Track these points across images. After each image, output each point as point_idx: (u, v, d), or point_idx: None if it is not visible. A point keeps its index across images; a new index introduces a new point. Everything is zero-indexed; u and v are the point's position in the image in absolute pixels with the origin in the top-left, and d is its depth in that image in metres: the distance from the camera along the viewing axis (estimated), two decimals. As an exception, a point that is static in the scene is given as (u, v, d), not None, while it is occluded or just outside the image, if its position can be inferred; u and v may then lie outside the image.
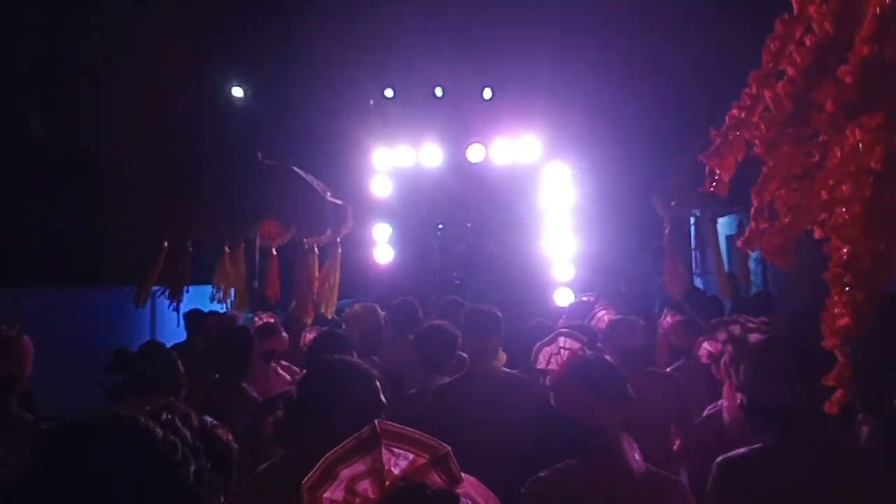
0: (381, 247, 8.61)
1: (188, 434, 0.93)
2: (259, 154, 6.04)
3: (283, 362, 4.23)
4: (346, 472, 0.87)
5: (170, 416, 0.93)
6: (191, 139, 7.81)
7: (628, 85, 8.18)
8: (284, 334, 4.15)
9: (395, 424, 0.89)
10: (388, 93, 8.50)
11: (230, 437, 1.01)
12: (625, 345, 3.22)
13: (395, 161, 8.53)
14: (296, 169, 6.07)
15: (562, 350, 2.64)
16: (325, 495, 0.86)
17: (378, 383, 1.82)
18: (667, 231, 5.87)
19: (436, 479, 0.86)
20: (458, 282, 8.44)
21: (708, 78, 7.32)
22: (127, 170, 7.29)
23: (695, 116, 7.77)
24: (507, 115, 8.39)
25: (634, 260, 8.66)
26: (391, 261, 8.61)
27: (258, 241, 6.20)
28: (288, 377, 4.02)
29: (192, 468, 0.91)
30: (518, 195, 8.58)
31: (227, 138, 8.28)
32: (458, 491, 0.86)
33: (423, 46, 8.19)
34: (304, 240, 6.16)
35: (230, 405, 3.06)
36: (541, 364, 2.80)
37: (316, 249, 6.30)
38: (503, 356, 3.61)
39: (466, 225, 9.05)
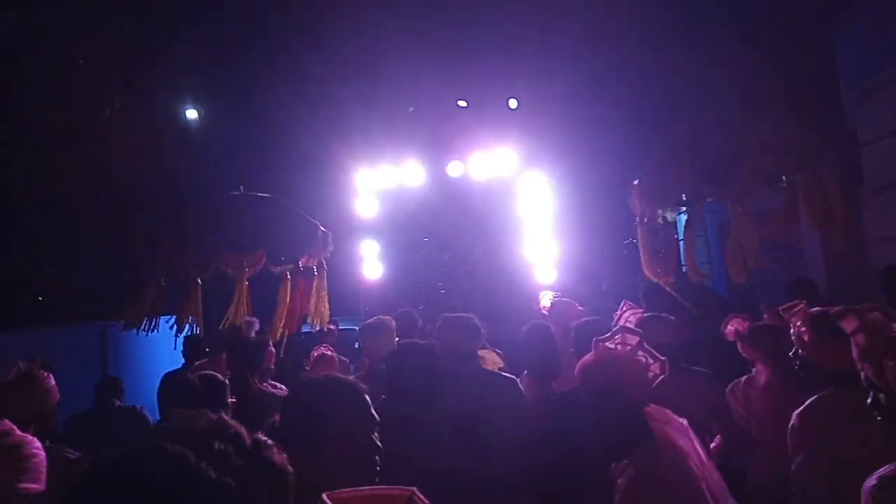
0: (370, 263, 8.91)
1: (241, 465, 0.82)
2: (241, 188, 6.26)
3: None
4: None
5: (222, 447, 0.82)
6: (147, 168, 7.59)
7: (599, 94, 8.53)
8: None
9: (345, 491, 0.82)
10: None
11: (284, 459, 0.91)
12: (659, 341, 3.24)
13: (378, 179, 8.85)
14: (260, 195, 6.25)
15: (623, 346, 2.50)
16: None
17: (368, 398, 1.75)
18: (639, 227, 6.01)
19: None
20: (443, 291, 8.74)
21: (676, 85, 7.72)
22: (80, 205, 7.23)
23: (664, 120, 8.17)
24: (483, 129, 8.74)
25: (614, 258, 9.01)
26: (380, 277, 8.91)
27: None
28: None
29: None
30: (498, 205, 8.92)
31: (191, 164, 8.23)
32: None
33: (401, 63, 8.44)
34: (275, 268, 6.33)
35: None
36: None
37: (289, 276, 6.42)
38: (492, 358, 3.90)
39: (450, 237, 9.36)
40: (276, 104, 8.45)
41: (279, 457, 0.89)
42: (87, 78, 6.91)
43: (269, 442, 0.90)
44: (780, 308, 2.78)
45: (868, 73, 5.57)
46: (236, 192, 6.36)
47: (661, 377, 2.34)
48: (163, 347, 6.98)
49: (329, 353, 4.73)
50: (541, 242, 8.61)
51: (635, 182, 5.75)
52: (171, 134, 8.17)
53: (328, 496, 0.83)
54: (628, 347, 2.30)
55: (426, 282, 9.32)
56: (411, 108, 8.86)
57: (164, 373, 5.16)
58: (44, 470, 1.98)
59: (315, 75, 8.13)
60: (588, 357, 2.26)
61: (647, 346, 2.33)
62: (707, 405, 3.32)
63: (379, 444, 1.70)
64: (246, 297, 6.51)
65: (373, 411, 1.72)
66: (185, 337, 5.62)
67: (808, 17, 6.22)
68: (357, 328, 8.47)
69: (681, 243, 8.27)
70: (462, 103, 8.82)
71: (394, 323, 4.18)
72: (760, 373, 3.42)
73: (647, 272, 5.91)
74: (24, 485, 1.88)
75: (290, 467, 0.91)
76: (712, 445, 3.42)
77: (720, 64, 7.15)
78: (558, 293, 6.22)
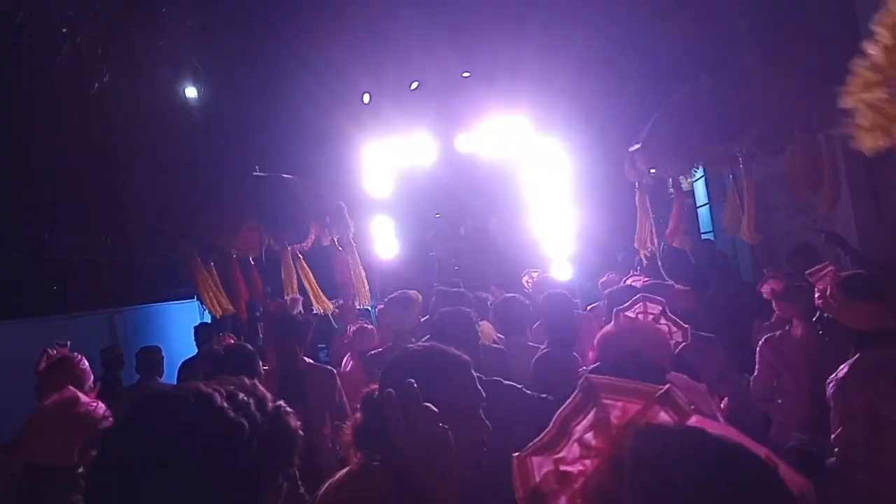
0: (383, 241, 8.80)
1: (258, 417, 1.00)
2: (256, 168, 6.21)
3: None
4: (578, 428, 0.86)
5: (246, 399, 1.01)
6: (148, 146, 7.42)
7: (612, 62, 8.32)
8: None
9: (604, 377, 0.89)
10: (365, 98, 8.67)
11: (298, 425, 1.07)
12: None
13: (387, 155, 8.71)
14: (282, 176, 6.24)
15: (645, 315, 2.45)
16: (559, 455, 0.86)
17: (474, 371, 1.59)
18: (639, 191, 5.81)
19: (665, 417, 0.85)
20: (457, 267, 8.66)
21: (690, 51, 7.49)
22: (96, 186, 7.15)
23: (677, 87, 7.95)
24: (494, 98, 8.56)
25: (628, 229, 8.83)
26: (393, 255, 8.81)
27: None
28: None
29: (254, 450, 0.97)
30: (509, 177, 8.77)
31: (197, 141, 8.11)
32: (693, 423, 0.84)
33: (409, 38, 8.28)
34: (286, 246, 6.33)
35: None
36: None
37: (300, 255, 6.46)
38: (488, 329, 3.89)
39: (464, 210, 9.26)
40: (280, 79, 8.28)
41: (294, 423, 1.06)
42: (76, 49, 6.65)
43: (290, 410, 1.07)
44: (807, 272, 2.86)
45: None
46: (258, 173, 6.35)
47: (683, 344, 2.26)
48: (173, 334, 7.00)
49: (369, 326, 4.80)
50: (554, 214, 8.46)
51: (636, 146, 5.52)
52: (171, 112, 7.99)
53: (591, 377, 0.89)
54: (650, 316, 2.21)
55: (440, 259, 9.25)
56: (415, 85, 8.68)
57: (176, 360, 5.23)
58: None
59: (320, 49, 7.97)
60: (609, 327, 2.17)
61: (669, 313, 2.25)
62: (715, 369, 3.36)
63: (488, 423, 1.54)
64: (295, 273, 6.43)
65: (479, 386, 1.56)
66: (196, 326, 5.66)
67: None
68: (370, 307, 8.46)
69: (699, 209, 8.15)
70: (466, 74, 8.64)
71: (420, 298, 4.27)
72: (796, 328, 3.56)
73: (638, 242, 5.78)
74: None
75: (300, 433, 1.07)
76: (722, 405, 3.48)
77: (734, 23, 6.92)
78: (540, 271, 6.15)
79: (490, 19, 8.19)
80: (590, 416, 0.86)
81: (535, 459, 0.87)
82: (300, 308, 5.37)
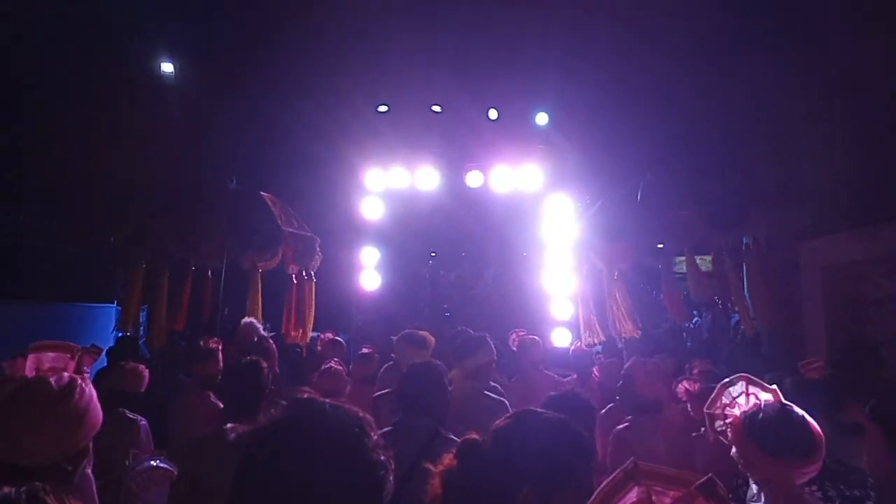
0: (369, 272, 8.15)
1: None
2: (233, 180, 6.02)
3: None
4: (619, 503, 0.94)
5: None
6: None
7: (633, 119, 7.78)
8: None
9: (650, 465, 0.94)
10: (382, 108, 8.01)
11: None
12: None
13: (388, 182, 8.10)
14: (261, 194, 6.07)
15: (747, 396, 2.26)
16: None
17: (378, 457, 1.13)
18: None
19: None
20: (447, 314, 7.96)
21: (716, 114, 6.95)
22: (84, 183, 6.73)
23: (696, 153, 7.39)
24: (508, 141, 7.99)
25: (642, 303, 8.11)
26: (378, 288, 8.14)
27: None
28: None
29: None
30: (517, 226, 8.14)
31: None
32: None
33: (420, 64, 7.71)
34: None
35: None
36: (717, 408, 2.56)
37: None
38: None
39: (461, 254, 8.60)
40: (274, 88, 7.62)
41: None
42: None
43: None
44: (800, 363, 3.12)
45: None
46: (235, 186, 6.17)
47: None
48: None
49: (338, 366, 4.13)
50: (560, 272, 7.77)
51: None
52: (143, 89, 7.36)
53: (637, 461, 0.95)
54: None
55: (430, 300, 8.57)
56: (436, 106, 8.04)
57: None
58: None
59: (332, 50, 7.32)
60: None
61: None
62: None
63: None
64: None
65: (389, 477, 1.17)
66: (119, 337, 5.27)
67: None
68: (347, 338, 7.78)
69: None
70: (493, 115, 8.06)
71: (433, 340, 3.98)
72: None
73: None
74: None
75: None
76: None
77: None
78: (524, 331, 5.61)
79: (510, 60, 7.63)
80: (631, 494, 0.94)
81: None
82: (260, 333, 5.02)
